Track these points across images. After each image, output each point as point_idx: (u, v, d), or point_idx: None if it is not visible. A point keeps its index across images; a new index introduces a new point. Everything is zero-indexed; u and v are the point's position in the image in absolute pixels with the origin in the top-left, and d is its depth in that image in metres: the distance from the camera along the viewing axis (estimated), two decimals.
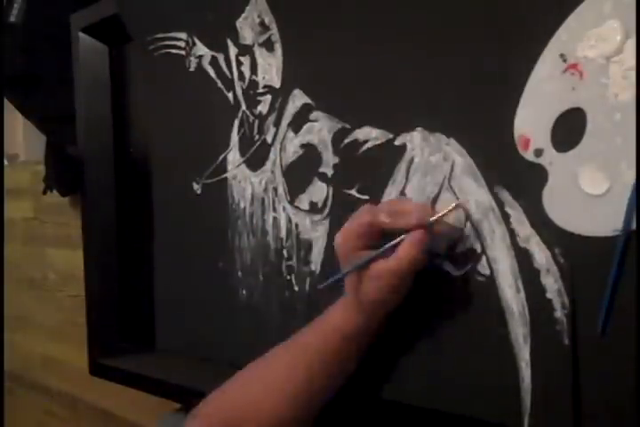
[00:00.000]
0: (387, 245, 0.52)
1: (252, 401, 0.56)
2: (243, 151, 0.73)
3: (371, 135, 0.59)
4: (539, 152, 0.48)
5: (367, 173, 0.60)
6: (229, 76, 0.74)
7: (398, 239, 0.51)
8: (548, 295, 0.48)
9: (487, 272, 0.52)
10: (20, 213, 1.36)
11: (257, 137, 0.71)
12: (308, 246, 0.66)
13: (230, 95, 0.74)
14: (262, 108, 0.70)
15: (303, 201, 0.66)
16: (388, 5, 0.57)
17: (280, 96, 0.68)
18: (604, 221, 0.44)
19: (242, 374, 0.59)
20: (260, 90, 0.70)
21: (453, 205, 0.52)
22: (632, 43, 0.42)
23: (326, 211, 0.64)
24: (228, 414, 0.56)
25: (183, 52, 0.80)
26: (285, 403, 0.55)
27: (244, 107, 0.73)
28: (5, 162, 1.34)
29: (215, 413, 0.57)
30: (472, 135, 0.52)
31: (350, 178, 0.62)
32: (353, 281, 0.53)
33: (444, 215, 0.52)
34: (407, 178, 0.57)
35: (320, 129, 0.64)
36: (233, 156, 0.75)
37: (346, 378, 0.58)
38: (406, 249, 0.50)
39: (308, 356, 0.56)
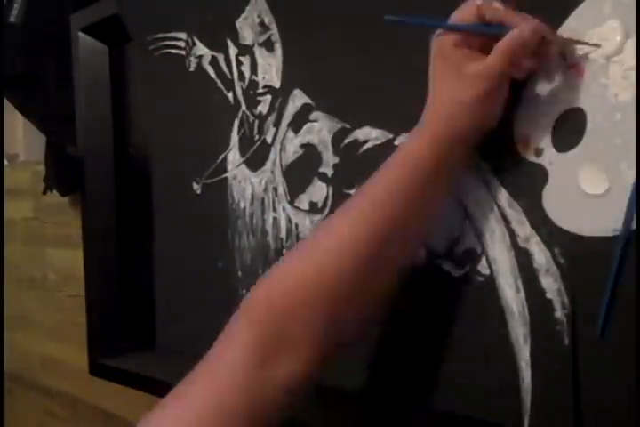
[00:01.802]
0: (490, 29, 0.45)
1: (315, 268, 0.46)
2: (243, 151, 0.73)
3: (371, 135, 0.59)
4: (539, 152, 0.48)
5: (367, 173, 0.60)
6: (229, 76, 0.74)
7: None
8: (548, 295, 0.48)
9: (487, 272, 0.52)
10: (20, 213, 1.36)
11: (257, 137, 0.71)
12: None
13: (230, 95, 0.74)
14: (262, 108, 0.70)
15: (303, 201, 0.66)
16: (388, 5, 0.57)
17: (280, 96, 0.68)
18: (604, 221, 0.44)
19: (296, 250, 0.51)
20: (260, 90, 0.70)
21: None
22: (632, 43, 0.42)
23: (326, 211, 0.64)
24: (283, 300, 0.46)
25: (183, 52, 0.80)
26: (358, 258, 0.46)
27: (243, 107, 0.73)
28: (5, 162, 1.34)
29: (264, 300, 0.47)
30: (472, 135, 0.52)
31: (350, 178, 0.62)
32: (437, 75, 0.47)
33: (562, 40, 0.45)
34: None
35: (320, 129, 0.64)
36: (233, 156, 0.75)
37: (432, 218, 0.49)
38: (501, 50, 0.44)
39: (383, 197, 0.47)
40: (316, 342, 0.46)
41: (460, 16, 0.47)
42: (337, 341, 0.47)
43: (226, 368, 0.46)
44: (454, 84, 0.47)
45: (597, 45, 0.44)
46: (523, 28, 0.44)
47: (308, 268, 0.47)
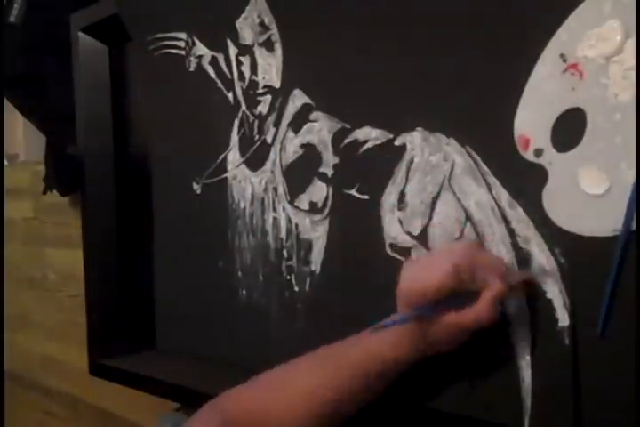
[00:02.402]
0: (460, 300, 0.48)
1: (275, 411, 0.54)
2: (243, 151, 0.73)
3: (371, 135, 0.59)
4: (539, 152, 0.48)
5: (367, 173, 0.60)
6: (229, 76, 0.74)
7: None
8: (548, 295, 0.48)
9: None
10: (20, 213, 1.36)
11: (257, 137, 0.71)
12: (307, 246, 0.66)
13: (230, 95, 0.74)
14: (262, 108, 0.70)
15: (303, 201, 0.66)
16: (388, 5, 0.57)
17: (280, 96, 0.68)
18: (604, 221, 0.44)
19: (268, 379, 0.56)
20: (260, 90, 0.70)
21: (543, 268, 0.48)
22: (632, 43, 0.42)
23: (326, 211, 0.64)
24: (249, 418, 0.54)
25: (183, 52, 0.80)
26: (308, 420, 0.53)
27: (244, 107, 0.72)
28: (5, 162, 1.34)
29: (236, 413, 0.54)
30: (472, 135, 0.52)
31: (350, 178, 0.62)
32: (417, 326, 0.50)
33: (526, 280, 0.49)
34: (407, 178, 0.57)
35: (320, 129, 0.64)
36: (233, 156, 0.75)
37: (369, 402, 0.55)
38: (486, 306, 0.47)
39: (339, 381, 0.53)
40: None
41: (435, 284, 0.47)
42: None
43: None
44: (434, 329, 0.49)
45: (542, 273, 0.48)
46: (498, 285, 0.47)
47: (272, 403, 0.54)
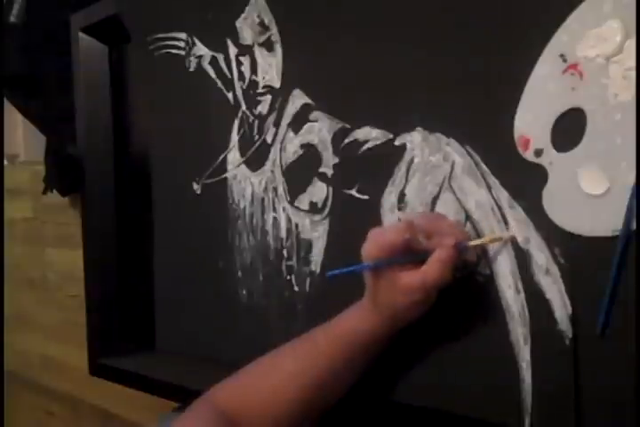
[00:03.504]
0: (414, 257, 0.50)
1: (259, 400, 0.56)
2: (243, 151, 0.73)
3: (371, 135, 0.59)
4: (539, 152, 0.48)
5: (367, 173, 0.60)
6: (229, 77, 0.74)
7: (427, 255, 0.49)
8: (548, 295, 0.48)
9: (487, 272, 0.52)
10: (20, 213, 1.36)
11: (257, 137, 0.71)
12: (307, 246, 0.66)
13: (230, 95, 0.74)
14: (262, 108, 0.70)
15: (303, 201, 0.66)
16: (387, 5, 0.57)
17: (280, 96, 0.68)
18: (604, 221, 0.44)
19: (254, 368, 0.58)
20: (260, 90, 0.70)
21: (497, 236, 0.50)
22: (632, 43, 0.42)
23: (326, 211, 0.64)
24: (238, 406, 0.56)
25: (183, 52, 0.80)
26: (291, 406, 0.55)
27: (243, 107, 0.73)
28: (5, 162, 1.34)
29: (224, 402, 0.56)
30: (472, 135, 0.52)
31: (350, 178, 0.62)
32: (372, 287, 0.52)
33: (483, 242, 0.51)
34: (407, 178, 0.57)
35: (320, 129, 0.64)
36: (233, 156, 0.75)
37: (354, 382, 0.57)
38: (434, 266, 0.49)
39: (319, 361, 0.55)
40: None
41: (389, 237, 0.50)
42: None
43: None
44: (390, 293, 0.51)
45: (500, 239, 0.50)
46: (448, 246, 0.49)
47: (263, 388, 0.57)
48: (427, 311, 0.52)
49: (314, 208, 0.65)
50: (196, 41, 0.78)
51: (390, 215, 0.58)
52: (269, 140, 0.70)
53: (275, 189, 0.69)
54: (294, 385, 0.55)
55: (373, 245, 0.51)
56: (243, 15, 0.71)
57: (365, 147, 0.60)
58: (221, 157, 0.76)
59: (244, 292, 0.74)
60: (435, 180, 0.55)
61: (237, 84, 0.73)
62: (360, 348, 0.54)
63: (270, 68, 0.69)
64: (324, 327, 0.56)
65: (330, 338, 0.55)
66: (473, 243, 0.51)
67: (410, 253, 0.50)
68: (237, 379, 0.59)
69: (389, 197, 0.58)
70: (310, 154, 0.65)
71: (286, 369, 0.56)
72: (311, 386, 0.55)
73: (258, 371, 0.58)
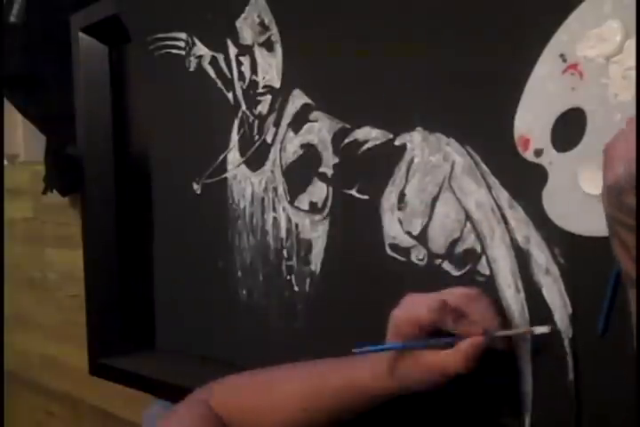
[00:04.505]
0: (439, 342, 0.48)
1: (256, 415, 0.57)
2: (243, 151, 0.73)
3: (371, 135, 0.59)
4: (539, 152, 0.48)
5: (367, 173, 0.60)
6: (229, 77, 0.74)
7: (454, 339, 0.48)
8: (548, 295, 0.48)
9: (487, 272, 0.52)
10: (20, 213, 1.36)
11: (257, 137, 0.71)
12: (307, 246, 0.66)
13: (230, 95, 0.74)
14: (262, 108, 0.70)
15: (303, 201, 0.66)
16: (387, 5, 0.57)
17: (280, 96, 0.68)
18: (604, 221, 0.44)
19: (251, 383, 0.59)
20: (260, 90, 0.70)
21: (524, 329, 0.49)
22: (632, 43, 0.42)
23: (326, 211, 0.64)
24: (230, 415, 0.57)
25: (183, 52, 0.80)
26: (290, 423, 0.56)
27: (243, 107, 0.73)
28: (5, 162, 1.34)
29: (220, 407, 0.58)
30: (472, 135, 0.52)
31: (350, 178, 0.62)
32: (392, 354, 0.50)
33: (510, 334, 0.50)
34: (407, 178, 0.57)
35: (320, 129, 0.64)
36: (233, 156, 0.75)
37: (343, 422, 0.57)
38: (458, 356, 0.47)
39: (324, 401, 0.54)
40: None
41: (421, 313, 0.48)
42: None
43: None
44: (409, 365, 0.49)
45: (528, 331, 0.49)
46: (477, 338, 0.47)
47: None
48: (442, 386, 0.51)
49: (314, 208, 0.65)
50: (196, 41, 0.78)
51: (390, 215, 0.58)
52: (269, 140, 0.70)
53: (275, 189, 0.70)
54: (295, 409, 0.55)
55: (404, 316, 0.49)
56: (243, 15, 0.71)
57: (365, 147, 0.60)
58: (221, 157, 0.76)
59: (244, 292, 0.74)
60: (435, 180, 0.55)
61: (237, 84, 0.73)
62: (365, 402, 0.54)
63: (270, 68, 0.69)
64: (335, 368, 0.55)
65: (339, 384, 0.54)
66: (501, 333, 0.49)
67: (435, 335, 0.49)
68: (237, 388, 0.59)
69: (389, 197, 0.58)
70: (310, 154, 0.65)
71: (290, 393, 0.56)
72: (310, 418, 0.55)
73: (259, 386, 0.58)
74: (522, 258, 0.49)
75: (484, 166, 0.51)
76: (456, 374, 0.48)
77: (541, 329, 0.47)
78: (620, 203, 0.35)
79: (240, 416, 0.57)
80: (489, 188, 0.51)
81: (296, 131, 0.67)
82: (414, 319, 0.48)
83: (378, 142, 0.59)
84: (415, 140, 0.56)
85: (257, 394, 0.58)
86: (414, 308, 0.49)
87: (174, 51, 0.81)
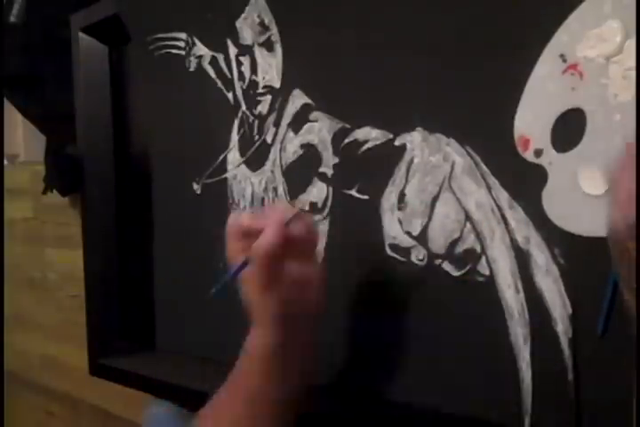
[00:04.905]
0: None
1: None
2: (242, 151, 0.73)
3: (371, 135, 0.59)
4: (538, 152, 0.48)
5: (367, 173, 0.60)
6: (229, 77, 0.74)
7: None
8: (548, 296, 0.48)
9: (487, 272, 0.52)
10: (20, 213, 1.36)
11: (257, 137, 0.71)
12: None
13: (230, 95, 0.74)
14: (262, 108, 0.70)
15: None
16: (387, 5, 0.57)
17: (280, 96, 0.68)
18: (604, 221, 0.44)
19: (210, 407, 0.59)
20: (260, 90, 0.70)
21: (301, 206, 0.53)
22: (632, 43, 0.42)
23: (326, 211, 0.64)
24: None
25: (183, 52, 0.80)
26: None
27: (243, 107, 0.73)
28: (5, 162, 1.34)
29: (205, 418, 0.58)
30: (472, 136, 0.52)
31: (350, 178, 0.62)
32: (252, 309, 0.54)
33: (294, 216, 0.52)
34: (407, 178, 0.57)
35: (320, 129, 0.64)
36: (233, 156, 0.75)
37: (295, 396, 0.55)
38: (268, 231, 0.50)
39: (239, 390, 0.55)
40: None
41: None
42: None
43: None
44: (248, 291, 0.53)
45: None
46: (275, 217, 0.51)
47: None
48: (307, 305, 0.53)
49: (314, 208, 0.65)
50: (196, 41, 0.78)
51: (390, 215, 0.58)
52: (269, 140, 0.70)
53: (275, 189, 0.69)
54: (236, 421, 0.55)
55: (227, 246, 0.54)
56: (243, 15, 0.71)
57: (365, 147, 0.60)
58: (221, 157, 0.76)
59: None
60: (435, 180, 0.55)
61: (237, 84, 0.73)
62: (261, 365, 0.54)
63: (270, 68, 0.69)
64: (236, 366, 0.57)
65: (244, 360, 0.56)
66: (289, 217, 0.52)
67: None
68: (208, 408, 0.58)
69: (389, 198, 0.58)
70: (310, 154, 0.65)
71: (224, 398, 0.56)
72: (246, 416, 0.54)
73: (211, 413, 0.58)
74: (522, 258, 0.49)
75: (483, 167, 0.51)
76: (269, 256, 0.49)
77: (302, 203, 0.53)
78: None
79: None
80: (489, 188, 0.51)
81: (296, 131, 0.67)
82: (231, 240, 0.53)
83: (378, 142, 0.59)
84: (415, 141, 0.56)
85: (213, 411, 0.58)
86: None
87: (174, 51, 0.81)
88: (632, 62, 0.42)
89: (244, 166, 0.73)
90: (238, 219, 0.53)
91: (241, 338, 0.74)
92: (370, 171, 0.60)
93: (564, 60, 0.46)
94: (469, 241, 0.52)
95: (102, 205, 0.94)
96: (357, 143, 0.61)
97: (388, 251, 0.58)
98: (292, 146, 0.67)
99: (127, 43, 0.90)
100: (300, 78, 0.66)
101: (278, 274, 0.51)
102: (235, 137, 0.74)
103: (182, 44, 0.80)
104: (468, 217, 0.53)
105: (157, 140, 0.87)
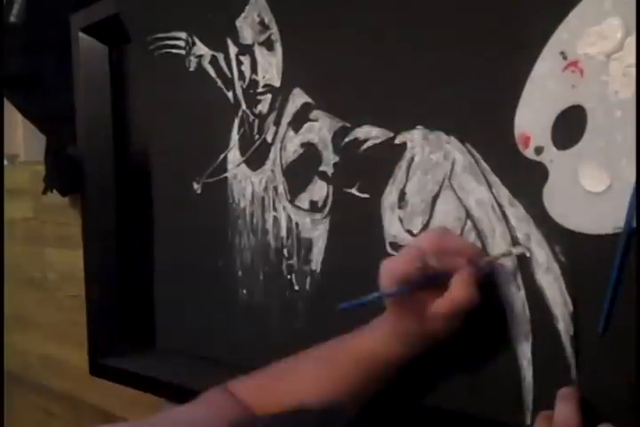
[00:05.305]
0: (431, 282, 0.49)
1: (273, 400, 0.55)
2: (243, 151, 0.73)
3: (371, 134, 0.59)
4: (539, 150, 0.48)
5: (367, 171, 0.60)
6: (229, 76, 0.74)
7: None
8: (549, 293, 0.48)
9: (487, 271, 0.52)
10: (20, 213, 1.36)
11: (257, 136, 0.71)
12: (308, 245, 0.66)
13: (230, 95, 0.74)
14: (262, 107, 0.70)
15: (303, 200, 0.66)
16: (387, 5, 0.57)
17: (280, 95, 0.68)
18: (605, 218, 0.44)
19: (268, 372, 0.59)
20: (260, 89, 0.70)
21: (510, 250, 0.49)
22: (632, 40, 0.42)
23: (326, 210, 0.64)
24: (250, 403, 0.56)
25: (183, 52, 0.80)
26: None
27: (244, 106, 0.72)
28: (5, 162, 1.34)
29: (239, 395, 0.57)
30: (472, 133, 0.52)
31: (350, 177, 0.62)
32: (394, 316, 0.51)
33: (496, 258, 0.50)
34: (407, 176, 0.57)
35: (320, 128, 0.64)
36: (233, 155, 0.74)
37: (368, 398, 0.56)
38: (459, 288, 0.47)
39: (337, 378, 0.54)
40: None
41: (402, 268, 0.49)
42: None
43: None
44: (416, 322, 0.50)
45: (508, 254, 0.50)
46: (465, 265, 0.48)
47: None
48: (451, 336, 0.51)
49: (314, 207, 0.65)
50: (196, 40, 0.78)
51: (391, 214, 0.58)
52: (269, 139, 0.70)
53: (275, 189, 0.69)
54: (310, 391, 0.54)
55: (388, 279, 0.49)
56: (243, 14, 0.71)
57: (366, 145, 0.60)
58: (221, 157, 0.76)
59: (245, 291, 0.74)
60: (435, 178, 0.55)
61: (237, 84, 0.73)
62: (378, 371, 0.53)
63: (270, 68, 0.69)
64: (342, 344, 0.55)
65: (349, 358, 0.54)
66: (487, 259, 0.50)
67: (426, 279, 0.49)
68: (254, 378, 0.59)
69: (390, 196, 0.58)
70: (310, 153, 0.65)
71: (303, 375, 0.56)
72: (326, 395, 0.54)
73: (275, 373, 0.58)
74: (522, 256, 0.49)
75: (484, 164, 0.51)
76: (466, 309, 0.47)
77: (519, 250, 0.49)
78: None
79: (258, 405, 0.55)
80: (489, 186, 0.51)
81: (296, 130, 0.67)
82: (398, 274, 0.48)
83: (378, 141, 0.59)
84: (415, 139, 0.56)
85: (272, 382, 0.57)
86: (395, 268, 0.49)
87: (174, 50, 0.81)
88: (632, 59, 0.42)
89: (244, 166, 0.73)
90: (425, 261, 0.48)
91: (241, 338, 0.74)
92: (370, 169, 0.60)
93: (565, 58, 0.46)
94: (470, 239, 0.52)
95: (102, 205, 0.94)
96: (358, 142, 0.61)
97: (389, 249, 0.58)
98: (292, 145, 0.67)
99: (127, 43, 0.90)
100: (301, 77, 0.66)
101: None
102: (235, 136, 0.74)
103: (182, 43, 0.80)
104: (468, 215, 0.52)
105: (157, 140, 0.87)
